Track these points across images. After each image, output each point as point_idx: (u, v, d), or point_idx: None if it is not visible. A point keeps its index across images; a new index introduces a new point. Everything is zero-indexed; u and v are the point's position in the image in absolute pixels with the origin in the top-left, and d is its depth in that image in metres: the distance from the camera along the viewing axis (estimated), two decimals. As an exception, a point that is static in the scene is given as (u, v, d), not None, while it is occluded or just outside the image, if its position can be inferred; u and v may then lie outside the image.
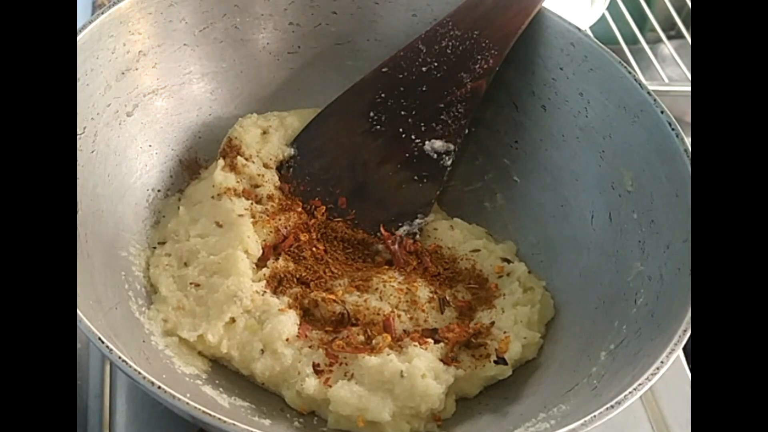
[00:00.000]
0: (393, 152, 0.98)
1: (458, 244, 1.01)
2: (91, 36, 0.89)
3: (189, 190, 1.01)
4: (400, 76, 1.00)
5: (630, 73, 0.95)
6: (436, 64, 0.98)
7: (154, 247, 0.96)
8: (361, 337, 0.88)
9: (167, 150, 1.01)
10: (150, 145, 0.99)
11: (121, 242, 0.92)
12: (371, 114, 0.99)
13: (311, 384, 0.83)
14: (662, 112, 0.90)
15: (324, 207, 0.98)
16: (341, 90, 1.10)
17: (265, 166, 1.02)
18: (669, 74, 1.39)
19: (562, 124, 1.01)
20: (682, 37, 1.51)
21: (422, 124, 0.97)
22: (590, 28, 1.36)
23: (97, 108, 0.90)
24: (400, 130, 0.98)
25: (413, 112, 0.98)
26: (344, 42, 1.09)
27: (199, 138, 1.04)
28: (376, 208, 0.98)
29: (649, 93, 0.92)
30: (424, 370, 0.84)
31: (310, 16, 1.07)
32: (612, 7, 1.46)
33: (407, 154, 0.98)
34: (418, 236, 0.98)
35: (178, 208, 0.98)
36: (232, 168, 0.99)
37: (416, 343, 0.87)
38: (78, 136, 0.87)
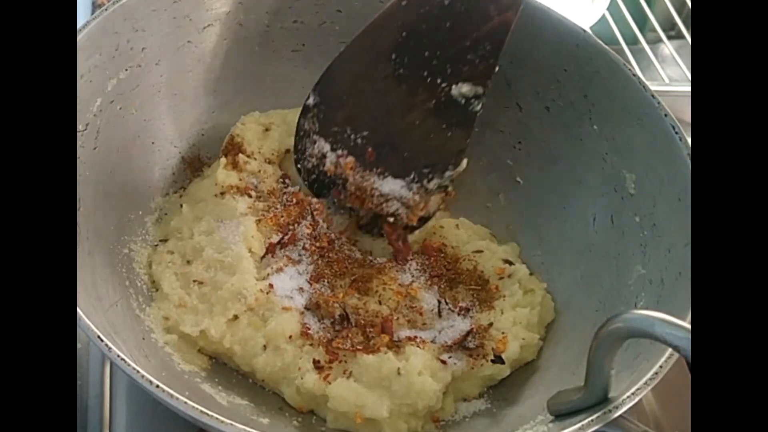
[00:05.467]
0: (418, 99, 0.92)
1: (462, 244, 1.01)
2: (95, 32, 0.89)
3: (192, 188, 1.01)
4: (422, 10, 0.91)
5: (634, 75, 0.94)
6: None
7: (156, 245, 0.96)
8: (361, 337, 0.88)
9: (170, 147, 1.01)
10: (152, 143, 0.99)
11: (123, 239, 0.93)
12: (393, 56, 0.92)
13: (311, 379, 0.84)
14: (666, 116, 0.90)
15: (351, 159, 0.93)
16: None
17: (267, 161, 1.02)
18: (669, 74, 1.39)
19: (565, 125, 1.00)
20: (682, 37, 1.51)
21: (448, 66, 0.90)
22: (590, 28, 1.35)
23: (99, 104, 0.90)
24: (425, 73, 0.91)
25: (438, 53, 0.91)
26: (348, 40, 1.09)
27: (201, 135, 1.04)
28: (405, 160, 0.93)
29: (653, 96, 0.92)
30: (421, 368, 0.84)
31: (314, 14, 1.07)
32: (612, 7, 1.46)
33: (434, 100, 0.92)
34: (450, 188, 0.94)
35: (181, 205, 0.98)
36: (234, 165, 0.99)
37: (413, 343, 0.88)
38: (80, 133, 0.87)
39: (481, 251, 1.00)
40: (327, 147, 0.94)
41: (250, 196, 0.97)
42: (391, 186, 0.93)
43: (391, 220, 0.95)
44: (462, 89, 0.91)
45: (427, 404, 0.84)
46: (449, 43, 0.90)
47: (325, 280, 0.93)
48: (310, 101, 0.95)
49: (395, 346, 0.88)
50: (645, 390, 0.72)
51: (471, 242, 1.01)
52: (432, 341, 0.90)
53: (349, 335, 0.88)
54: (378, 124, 0.93)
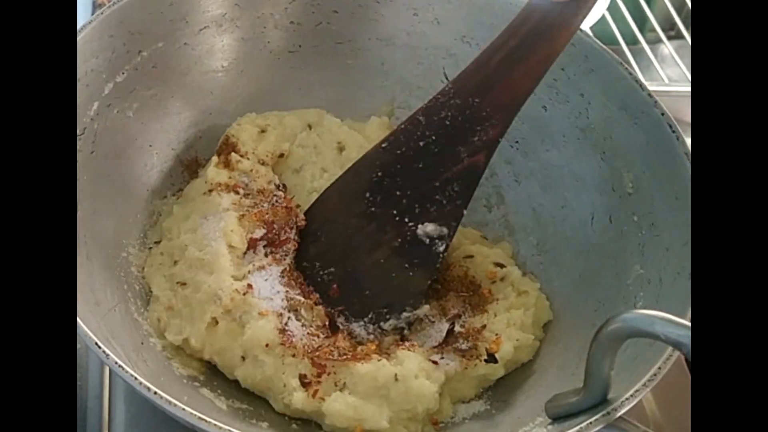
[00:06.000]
0: (385, 237, 0.92)
1: (451, 251, 0.99)
2: (91, 36, 0.89)
3: (186, 189, 1.01)
4: (398, 152, 0.92)
5: (631, 74, 0.94)
6: (434, 137, 0.90)
7: (150, 247, 0.95)
8: (347, 343, 0.87)
9: (167, 150, 1.01)
10: (150, 145, 0.99)
11: (121, 243, 0.93)
12: (367, 195, 0.93)
13: (299, 398, 0.82)
14: (663, 114, 0.90)
15: (315, 296, 0.91)
16: (341, 89, 1.10)
17: (261, 162, 1.01)
18: (669, 74, 1.39)
19: (562, 124, 1.00)
20: (682, 37, 1.51)
21: (416, 206, 0.91)
22: (590, 28, 1.36)
23: (96, 108, 0.90)
24: (394, 212, 0.92)
25: (408, 192, 0.91)
26: (345, 41, 1.09)
27: (199, 138, 1.04)
28: (366, 299, 0.92)
29: (649, 95, 0.92)
30: (417, 371, 0.83)
31: (311, 15, 1.07)
32: (612, 7, 1.46)
33: (399, 239, 0.91)
34: (406, 331, 0.92)
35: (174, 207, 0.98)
36: (226, 164, 0.99)
37: (403, 347, 0.87)
38: (78, 137, 0.87)
39: (472, 256, 0.99)
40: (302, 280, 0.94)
41: (237, 193, 0.96)
42: (349, 324, 0.91)
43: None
44: (427, 229, 0.90)
45: (426, 407, 0.84)
46: (420, 183, 0.91)
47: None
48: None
49: (384, 352, 0.87)
50: (644, 391, 0.72)
51: (461, 247, 1.00)
52: (420, 345, 0.89)
53: (335, 342, 0.87)
54: (345, 260, 0.93)
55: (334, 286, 0.92)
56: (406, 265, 0.91)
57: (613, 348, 0.68)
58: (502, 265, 0.98)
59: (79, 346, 0.97)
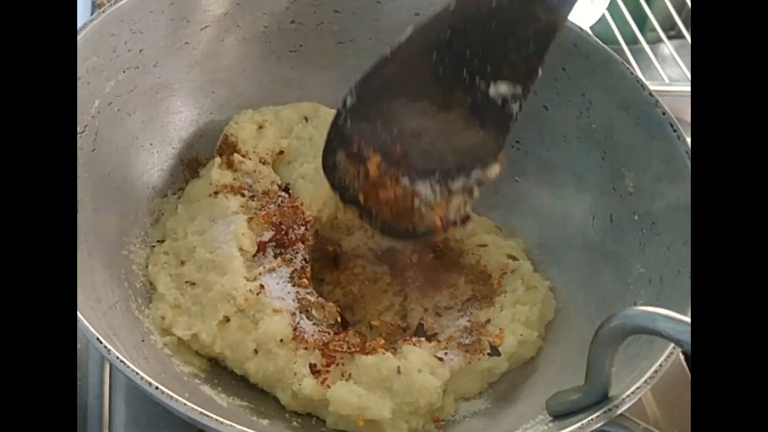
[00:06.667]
0: (455, 98, 0.88)
1: (466, 237, 1.00)
2: (92, 34, 0.89)
3: (188, 189, 1.01)
4: (468, 12, 0.87)
5: (632, 73, 0.95)
6: None
7: (153, 246, 0.95)
8: (357, 339, 0.87)
9: (168, 149, 1.01)
10: (151, 144, 0.99)
11: (122, 241, 0.93)
12: (434, 55, 0.88)
13: (308, 384, 0.83)
14: (664, 114, 0.90)
15: (378, 156, 0.87)
16: (342, 89, 1.09)
17: (262, 161, 1.02)
18: (669, 74, 1.39)
19: (563, 124, 1.00)
20: (682, 37, 1.51)
21: (488, 65, 0.86)
22: (590, 27, 1.36)
23: (98, 106, 0.90)
24: (464, 71, 0.87)
25: (479, 53, 0.86)
26: (346, 41, 1.09)
27: (200, 137, 1.04)
28: (432, 159, 0.88)
29: (650, 94, 0.92)
30: (420, 366, 0.84)
31: (312, 15, 1.07)
32: (612, 7, 1.46)
33: (470, 99, 0.87)
34: (476, 192, 0.88)
35: (177, 206, 0.98)
36: (229, 165, 0.99)
37: (409, 343, 0.88)
38: (79, 135, 0.87)
39: (486, 245, 0.99)
40: (356, 145, 0.89)
41: (243, 195, 0.97)
42: (414, 184, 0.87)
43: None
44: (500, 89, 0.87)
45: (428, 401, 0.84)
46: (492, 43, 0.87)
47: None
48: (348, 102, 0.90)
49: (392, 347, 0.88)
50: (645, 388, 0.72)
51: (476, 235, 1.01)
52: (428, 340, 0.90)
53: (345, 338, 0.88)
54: (410, 121, 0.89)
55: (397, 147, 0.87)
56: (477, 126, 0.87)
57: (615, 345, 0.68)
58: (514, 258, 0.98)
59: (79, 345, 0.97)
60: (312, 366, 0.84)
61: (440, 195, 0.86)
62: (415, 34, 0.88)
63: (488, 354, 0.88)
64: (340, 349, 0.85)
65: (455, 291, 0.96)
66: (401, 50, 0.89)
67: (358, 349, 0.86)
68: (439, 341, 0.90)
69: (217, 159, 0.99)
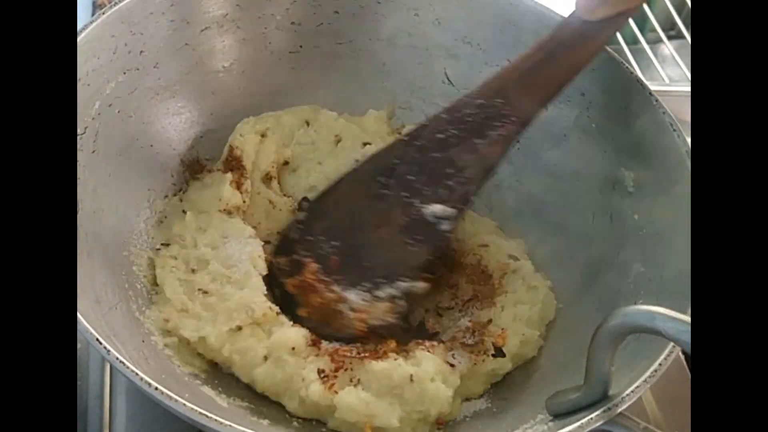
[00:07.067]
0: (393, 216, 0.95)
1: (468, 238, 1.01)
2: (92, 36, 0.89)
3: (192, 194, 1.01)
4: (417, 143, 0.95)
5: (632, 73, 0.95)
6: (454, 131, 0.93)
7: (158, 249, 0.95)
8: (370, 344, 0.88)
9: (168, 150, 1.01)
10: (151, 145, 0.99)
11: (122, 242, 0.92)
12: (381, 179, 0.96)
13: (316, 390, 0.82)
14: (664, 113, 0.91)
15: (315, 265, 0.93)
16: (343, 90, 1.10)
17: (267, 176, 1.03)
18: (669, 74, 1.39)
19: (563, 123, 1.00)
20: (682, 37, 1.51)
21: (427, 189, 0.93)
22: (591, 28, 1.36)
23: (98, 108, 0.90)
24: (405, 194, 0.94)
25: (422, 177, 0.94)
26: (346, 41, 1.09)
27: (200, 138, 1.04)
28: (364, 269, 0.94)
29: (650, 93, 0.92)
30: (433, 374, 0.84)
31: (312, 16, 1.07)
32: (612, 7, 1.46)
33: (406, 218, 0.94)
34: (400, 302, 0.93)
35: (183, 211, 0.98)
36: (238, 186, 0.99)
37: (423, 347, 0.87)
38: (79, 136, 0.87)
39: (487, 245, 1.00)
40: (298, 254, 0.96)
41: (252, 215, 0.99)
42: (343, 291, 0.93)
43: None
44: (434, 209, 0.92)
45: (438, 411, 0.84)
46: (434, 170, 0.94)
47: None
48: (299, 217, 1.00)
49: (403, 351, 0.87)
50: (645, 388, 0.72)
51: (477, 236, 1.01)
52: (439, 340, 0.90)
53: (356, 343, 0.88)
54: (350, 236, 0.96)
55: (335, 258, 0.94)
56: (409, 241, 0.93)
57: (614, 344, 0.68)
58: (515, 258, 0.99)
59: (79, 345, 0.97)
60: (320, 371, 0.84)
61: (367, 301, 0.91)
62: (368, 160, 0.99)
63: (492, 355, 0.88)
64: (349, 354, 0.85)
65: (456, 291, 0.96)
66: (353, 174, 0.99)
67: (368, 354, 0.86)
68: (443, 341, 0.90)
69: (228, 176, 0.99)
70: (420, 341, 0.89)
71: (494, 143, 0.91)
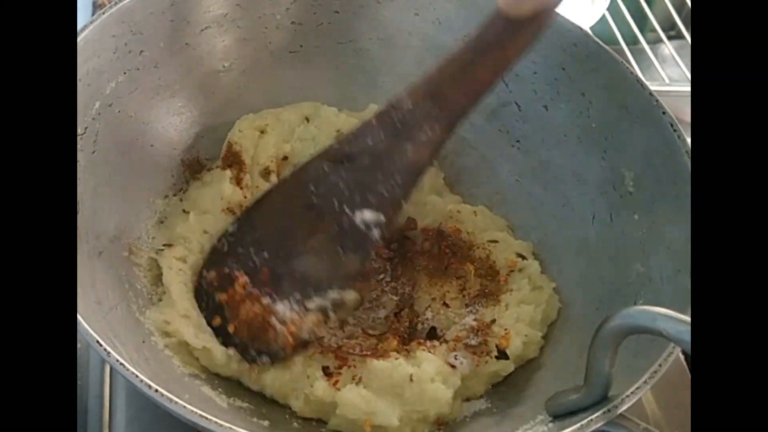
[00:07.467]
0: (324, 224, 0.94)
1: (478, 232, 1.01)
2: (93, 35, 0.89)
3: (193, 193, 1.01)
4: (346, 149, 0.94)
5: (632, 73, 0.95)
6: (383, 135, 0.91)
7: (162, 249, 0.95)
8: (373, 340, 0.88)
9: (169, 150, 1.01)
10: (151, 145, 0.99)
11: (123, 242, 0.92)
12: (311, 187, 0.94)
13: (321, 386, 0.83)
14: (664, 113, 0.90)
15: (245, 278, 0.92)
16: (343, 89, 1.10)
17: (266, 170, 1.03)
18: (669, 74, 1.39)
19: (563, 124, 1.01)
20: (682, 37, 1.51)
21: (357, 195, 0.92)
22: (590, 28, 1.36)
23: (98, 108, 0.90)
24: (335, 201, 0.93)
25: (351, 184, 0.93)
26: (346, 41, 1.09)
27: (200, 137, 1.04)
28: (295, 280, 0.93)
29: (651, 94, 0.92)
30: (433, 375, 0.84)
31: (312, 15, 1.07)
32: (612, 7, 1.46)
33: (337, 226, 0.93)
34: (331, 314, 0.92)
35: (184, 210, 0.98)
36: (238, 181, 0.99)
37: (424, 348, 0.87)
38: (79, 136, 0.87)
39: (497, 241, 1.00)
40: (227, 267, 0.94)
41: None
42: (273, 303, 0.91)
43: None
44: (365, 216, 0.91)
45: (438, 411, 0.84)
46: (364, 176, 0.92)
47: None
48: (229, 230, 0.97)
49: (404, 350, 0.88)
50: (645, 388, 0.72)
51: (488, 231, 1.01)
52: (442, 339, 0.90)
53: (359, 341, 0.89)
54: (280, 247, 0.95)
55: (265, 270, 0.93)
56: (340, 250, 0.93)
57: (614, 344, 0.68)
58: (523, 257, 0.99)
59: (79, 345, 0.97)
60: (325, 369, 0.85)
61: (296, 313, 0.90)
62: (299, 169, 0.97)
63: (495, 357, 0.88)
64: (353, 352, 0.86)
65: (464, 283, 0.96)
66: (283, 184, 0.98)
67: (370, 352, 0.86)
68: (447, 341, 0.90)
69: (227, 172, 0.99)
70: (422, 341, 0.89)
71: (423, 147, 0.90)
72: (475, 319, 0.92)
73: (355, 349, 0.87)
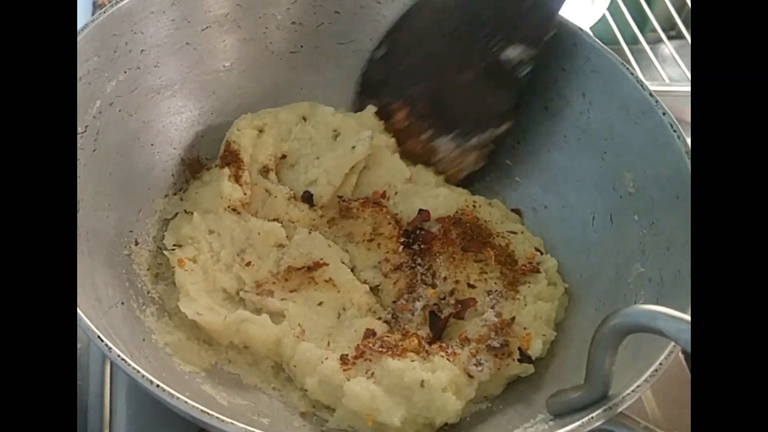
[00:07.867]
0: (471, 60, 0.95)
1: (497, 222, 1.01)
2: (93, 34, 0.89)
3: (193, 192, 1.01)
4: None
5: (632, 74, 0.95)
6: None
7: (166, 250, 0.95)
8: (397, 336, 0.89)
9: (169, 149, 1.01)
10: (152, 144, 0.99)
11: (123, 241, 0.93)
12: (456, 14, 0.95)
13: (331, 366, 0.84)
14: (664, 114, 0.90)
15: (406, 110, 0.94)
16: (343, 89, 1.10)
17: (264, 168, 1.02)
18: (669, 74, 1.39)
19: (564, 124, 1.01)
20: (682, 37, 1.51)
21: (504, 28, 0.93)
22: (591, 28, 1.36)
23: (99, 107, 0.90)
24: (481, 34, 0.93)
25: (496, 15, 0.93)
26: (347, 41, 1.09)
27: (201, 137, 1.04)
28: (452, 116, 0.95)
29: (651, 94, 0.92)
30: (446, 384, 0.83)
31: (312, 16, 1.07)
32: (612, 7, 1.46)
33: (484, 64, 0.94)
34: (492, 147, 0.96)
35: (184, 211, 0.99)
36: (237, 179, 0.99)
37: (443, 354, 0.86)
38: (80, 135, 0.87)
39: (516, 233, 1.00)
40: (385, 97, 0.97)
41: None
42: (435, 138, 0.94)
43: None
44: (510, 54, 0.92)
45: (445, 420, 0.83)
46: (507, 8, 0.93)
47: None
48: (380, 52, 0.98)
49: (425, 351, 0.87)
50: (645, 387, 0.72)
51: (506, 222, 1.01)
52: (464, 336, 0.89)
53: (383, 337, 0.89)
54: (434, 78, 0.96)
55: (423, 101, 0.95)
56: (491, 88, 0.94)
57: (615, 344, 0.68)
58: (541, 252, 0.99)
59: (79, 344, 0.97)
60: (343, 356, 0.86)
61: (459, 150, 0.93)
62: None
63: (518, 360, 0.88)
64: (371, 347, 0.86)
65: (485, 267, 0.96)
66: (425, 5, 0.96)
67: (386, 350, 0.86)
68: (470, 341, 0.89)
69: (226, 170, 0.99)
70: (444, 345, 0.88)
71: None
72: (496, 315, 0.91)
73: (375, 344, 0.86)
